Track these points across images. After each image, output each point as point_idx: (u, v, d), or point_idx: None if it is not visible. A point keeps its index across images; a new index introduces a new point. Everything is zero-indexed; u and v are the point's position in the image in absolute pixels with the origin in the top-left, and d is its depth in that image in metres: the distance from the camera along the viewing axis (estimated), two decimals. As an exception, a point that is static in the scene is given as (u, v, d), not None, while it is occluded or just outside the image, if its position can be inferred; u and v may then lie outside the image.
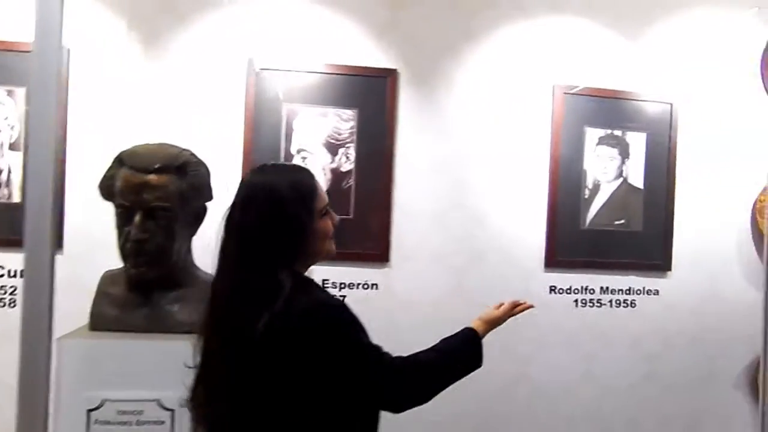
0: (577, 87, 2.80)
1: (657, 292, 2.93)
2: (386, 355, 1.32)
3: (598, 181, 2.86)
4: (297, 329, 1.22)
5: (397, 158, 2.71)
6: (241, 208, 1.27)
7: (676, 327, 2.94)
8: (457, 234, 2.76)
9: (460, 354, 1.43)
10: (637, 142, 2.89)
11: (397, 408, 1.33)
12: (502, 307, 1.57)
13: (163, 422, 1.80)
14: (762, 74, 3.04)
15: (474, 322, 1.52)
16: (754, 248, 3.06)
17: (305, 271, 1.35)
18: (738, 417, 3.03)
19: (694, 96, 2.96)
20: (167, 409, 1.80)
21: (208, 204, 1.89)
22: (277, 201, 1.25)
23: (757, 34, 3.02)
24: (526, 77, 2.81)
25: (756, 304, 2.99)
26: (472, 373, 1.44)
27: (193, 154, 1.90)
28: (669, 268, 2.92)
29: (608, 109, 2.86)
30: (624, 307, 2.91)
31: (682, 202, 2.95)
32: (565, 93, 2.81)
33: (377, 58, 2.70)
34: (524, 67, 2.81)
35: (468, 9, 2.75)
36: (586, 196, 2.84)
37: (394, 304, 2.70)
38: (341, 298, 1.45)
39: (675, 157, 2.93)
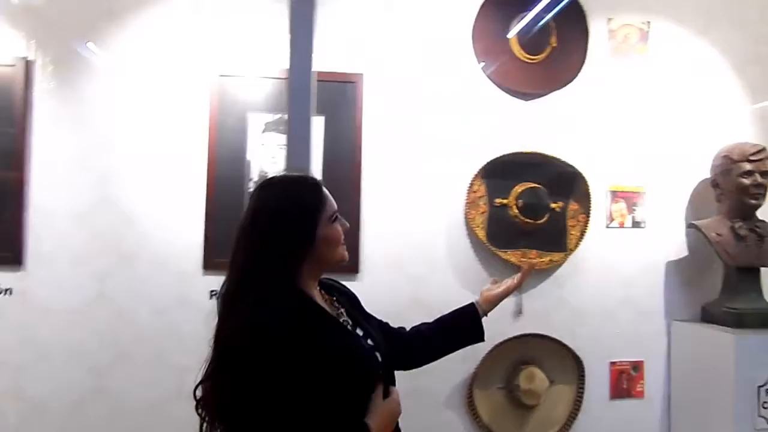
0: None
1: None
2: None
3: (266, 172, 2.55)
4: (228, 345, 1.25)
5: (32, 153, 2.50)
6: (250, 222, 1.33)
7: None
8: (102, 234, 2.51)
9: None
10: (314, 126, 2.56)
11: None
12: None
13: None
14: (474, 47, 2.68)
15: None
16: (470, 246, 2.68)
17: (317, 278, 1.41)
18: (452, 440, 2.63)
19: (387, 71, 2.63)
20: None
21: None
22: (282, 218, 1.31)
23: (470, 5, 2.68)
24: (179, 60, 2.55)
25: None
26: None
27: None
28: (356, 270, 2.57)
29: (276, 93, 2.56)
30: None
31: (373, 193, 2.61)
32: (221, 76, 2.54)
33: (10, 47, 2.50)
34: (177, 48, 2.55)
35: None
36: (251, 189, 2.53)
37: (29, 312, 2.47)
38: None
39: (360, 141, 2.59)
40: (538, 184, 2.65)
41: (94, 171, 2.52)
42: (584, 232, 2.71)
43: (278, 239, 1.30)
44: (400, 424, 1.47)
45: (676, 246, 2.82)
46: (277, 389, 1.20)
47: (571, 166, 2.68)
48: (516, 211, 2.62)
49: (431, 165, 2.65)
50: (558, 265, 2.71)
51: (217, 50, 2.56)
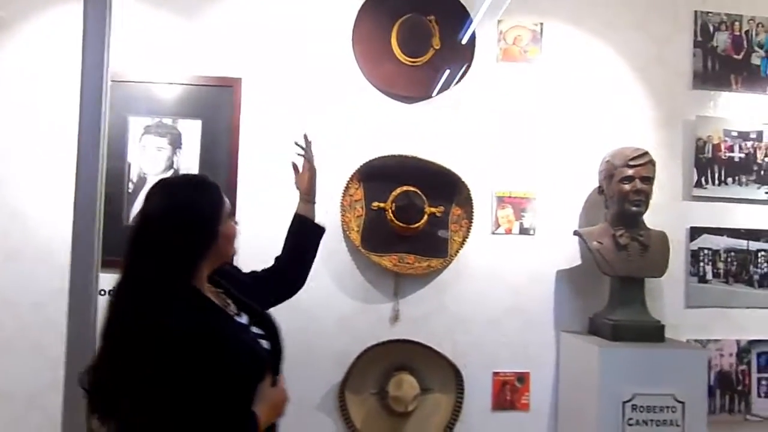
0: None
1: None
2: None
3: (145, 173, 2.62)
4: (129, 347, 1.29)
5: (-72, 155, 2.65)
6: (158, 219, 1.38)
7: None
8: (-10, 231, 2.64)
9: None
10: (192, 130, 2.63)
11: None
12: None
13: None
14: (354, 49, 2.68)
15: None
16: (346, 250, 2.67)
17: (209, 273, 1.47)
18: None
19: (266, 75, 2.66)
20: None
21: None
22: (191, 215, 1.39)
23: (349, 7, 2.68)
24: (63, 66, 2.64)
25: (348, 316, 2.61)
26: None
27: None
28: (233, 271, 2.59)
29: (156, 96, 2.63)
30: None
31: (249, 195, 2.64)
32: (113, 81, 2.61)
33: None
34: (60, 55, 2.64)
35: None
36: (131, 190, 2.61)
37: None
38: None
39: (237, 145, 2.63)
40: (418, 188, 2.61)
41: (-16, 172, 2.64)
42: (466, 237, 2.65)
43: (187, 235, 1.38)
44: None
45: (568, 254, 2.72)
46: (169, 382, 1.26)
47: (449, 170, 2.63)
48: (391, 215, 2.59)
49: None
50: (437, 271, 2.66)
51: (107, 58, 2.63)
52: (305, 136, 2.03)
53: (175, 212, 1.40)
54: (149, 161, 2.63)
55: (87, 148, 1.79)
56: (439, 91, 2.69)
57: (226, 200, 1.49)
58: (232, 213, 1.52)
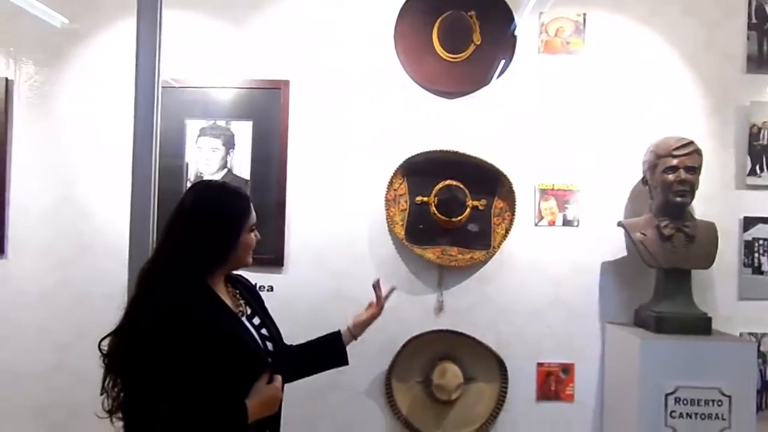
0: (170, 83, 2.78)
1: (271, 289, 2.77)
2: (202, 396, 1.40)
3: (201, 173, 2.80)
4: (136, 327, 1.47)
5: (13, 160, 2.90)
6: (189, 215, 1.54)
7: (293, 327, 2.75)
8: (66, 229, 2.88)
9: None
10: (244, 130, 2.78)
11: None
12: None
13: None
14: (396, 47, 2.76)
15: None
16: (391, 243, 2.75)
17: (224, 275, 1.63)
18: (371, 429, 2.74)
19: (312, 76, 2.77)
20: None
21: None
22: (218, 219, 1.54)
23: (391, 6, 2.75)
24: (128, 74, 2.84)
25: (393, 307, 2.70)
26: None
27: None
28: (281, 264, 2.74)
29: (211, 100, 2.79)
30: (237, 303, 2.79)
31: (298, 192, 2.76)
32: (163, 87, 2.80)
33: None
34: (125, 64, 2.84)
35: (72, 12, 2.87)
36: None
37: (6, 299, 2.88)
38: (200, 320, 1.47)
39: (286, 143, 2.76)
40: (461, 182, 2.66)
41: (61, 175, 2.88)
42: (509, 230, 2.68)
43: (210, 233, 1.52)
44: (281, 410, 1.63)
45: (614, 246, 2.71)
46: (169, 362, 1.40)
47: (491, 164, 2.66)
48: (434, 208, 2.66)
49: (355, 164, 2.75)
50: (481, 262, 2.71)
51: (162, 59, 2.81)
52: (393, 288, 2.07)
53: (203, 211, 1.54)
54: (205, 161, 2.79)
55: (141, 150, 1.96)
56: (481, 86, 2.71)
57: (253, 213, 1.61)
58: (257, 225, 1.63)
